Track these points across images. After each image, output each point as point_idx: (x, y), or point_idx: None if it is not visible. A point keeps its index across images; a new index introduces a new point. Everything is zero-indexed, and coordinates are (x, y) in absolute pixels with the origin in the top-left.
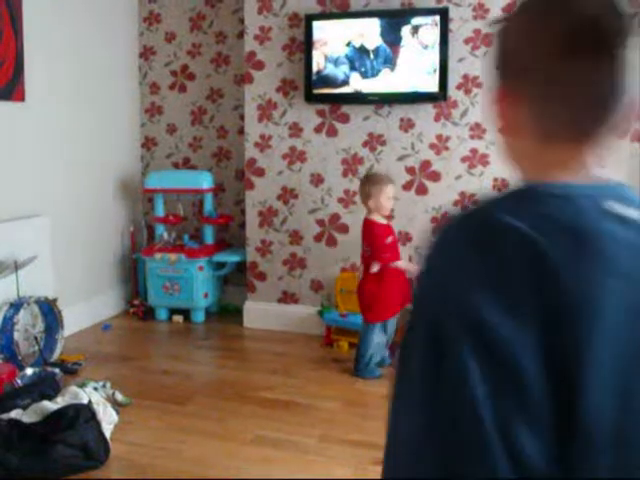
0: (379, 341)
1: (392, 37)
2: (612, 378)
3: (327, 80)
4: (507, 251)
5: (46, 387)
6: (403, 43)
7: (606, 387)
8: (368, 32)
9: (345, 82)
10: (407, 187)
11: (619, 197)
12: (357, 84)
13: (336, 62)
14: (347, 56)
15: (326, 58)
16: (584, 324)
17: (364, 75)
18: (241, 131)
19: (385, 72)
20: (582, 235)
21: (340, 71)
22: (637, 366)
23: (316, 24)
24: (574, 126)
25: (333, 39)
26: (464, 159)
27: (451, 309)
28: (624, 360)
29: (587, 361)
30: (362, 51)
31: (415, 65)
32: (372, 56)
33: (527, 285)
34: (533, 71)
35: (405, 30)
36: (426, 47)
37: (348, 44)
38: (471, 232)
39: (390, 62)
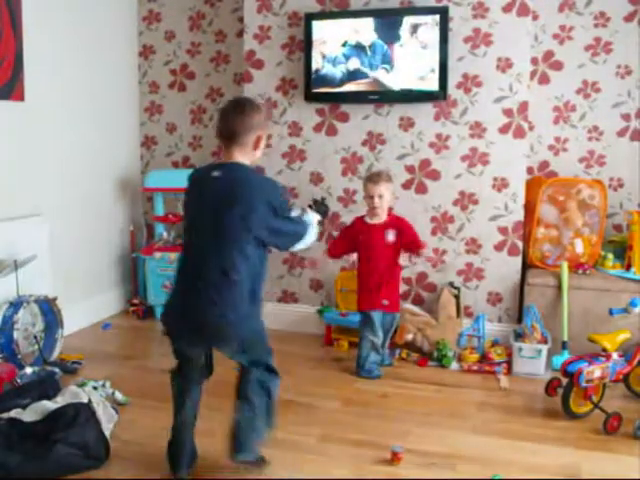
0: (371, 339)
1: (392, 36)
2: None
3: (326, 79)
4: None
5: (46, 386)
6: (403, 42)
7: (193, 215)
8: (368, 31)
9: (344, 81)
10: (407, 186)
11: (220, 168)
12: (357, 83)
13: (335, 61)
14: (346, 55)
15: (324, 57)
16: (192, 197)
17: (364, 74)
18: None
19: (385, 71)
20: (202, 173)
21: (339, 70)
22: (198, 211)
23: (316, 23)
24: (221, 141)
25: (332, 38)
26: (464, 158)
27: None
28: (194, 209)
29: (190, 205)
30: (361, 50)
31: (415, 64)
32: (371, 55)
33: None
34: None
35: (405, 29)
36: (426, 46)
37: (347, 43)
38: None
39: (389, 61)
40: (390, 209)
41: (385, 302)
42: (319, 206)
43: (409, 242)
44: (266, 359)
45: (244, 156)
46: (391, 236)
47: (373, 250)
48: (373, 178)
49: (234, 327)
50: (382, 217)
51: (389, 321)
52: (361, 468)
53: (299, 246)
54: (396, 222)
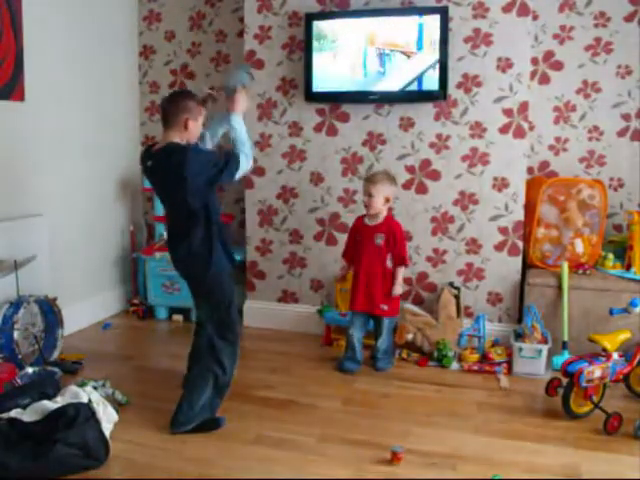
0: (355, 336)
1: (392, 36)
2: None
3: (326, 79)
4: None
5: (46, 386)
6: (403, 42)
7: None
8: (368, 31)
9: (345, 81)
10: (407, 186)
11: (160, 145)
12: (357, 83)
13: (335, 61)
14: (346, 55)
15: (325, 57)
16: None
17: (364, 74)
18: None
19: (385, 71)
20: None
21: (339, 70)
22: (161, 189)
23: (316, 23)
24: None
25: (332, 37)
26: (464, 158)
27: None
28: (158, 186)
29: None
30: (362, 50)
31: (415, 64)
32: (372, 55)
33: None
34: None
35: (405, 29)
36: (426, 46)
37: (347, 43)
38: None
39: (389, 61)
40: (390, 211)
41: (384, 307)
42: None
43: (394, 253)
44: (221, 315)
45: (177, 136)
46: (379, 239)
47: (363, 250)
48: (369, 177)
49: (185, 262)
50: (378, 218)
51: (380, 323)
52: (361, 468)
53: (240, 172)
54: (389, 227)
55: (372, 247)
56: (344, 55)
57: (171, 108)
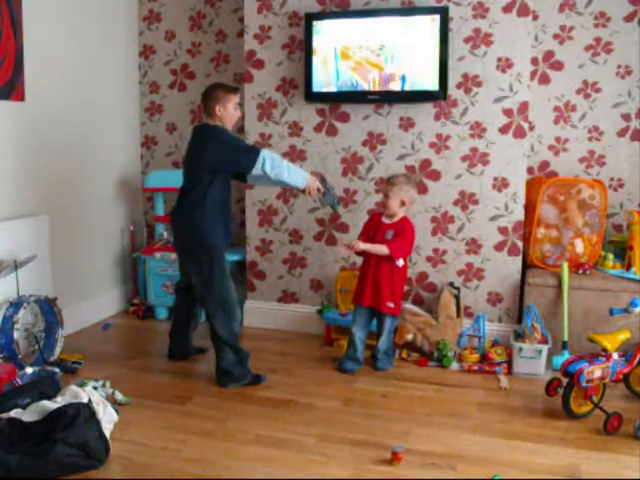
0: (358, 335)
1: (392, 35)
2: None
3: (327, 79)
4: None
5: (46, 386)
6: (403, 42)
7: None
8: (368, 30)
9: (345, 81)
10: None
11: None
12: (357, 83)
13: (335, 61)
14: (346, 55)
15: (325, 57)
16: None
17: (364, 74)
18: (241, 130)
19: (385, 71)
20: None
21: (339, 69)
22: (187, 158)
23: (316, 23)
24: None
25: (332, 37)
26: (464, 158)
27: None
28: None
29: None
30: (362, 49)
31: (415, 64)
32: (372, 54)
33: None
34: None
35: (405, 29)
36: (426, 46)
37: (347, 43)
38: None
39: (390, 61)
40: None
41: (390, 304)
42: (328, 192)
43: (392, 241)
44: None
45: (214, 120)
46: (389, 235)
47: (365, 237)
48: (389, 178)
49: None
50: (392, 218)
51: (383, 322)
52: (361, 468)
53: (257, 168)
54: (400, 225)
55: (381, 242)
56: (343, 54)
57: (204, 98)
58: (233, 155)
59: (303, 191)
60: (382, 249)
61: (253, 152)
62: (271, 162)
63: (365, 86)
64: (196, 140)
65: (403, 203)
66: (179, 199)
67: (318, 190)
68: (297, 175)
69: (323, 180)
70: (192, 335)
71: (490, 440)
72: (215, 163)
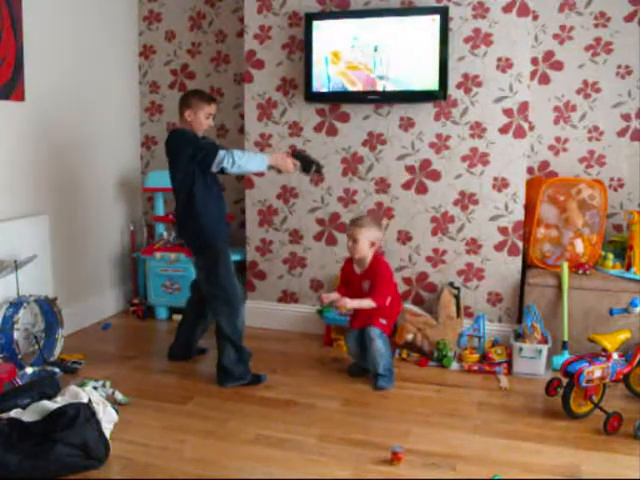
0: (352, 348)
1: (392, 35)
2: None
3: (327, 79)
4: None
5: (46, 386)
6: (403, 42)
7: None
8: (368, 30)
9: (345, 81)
10: (407, 186)
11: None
12: (357, 83)
13: (336, 61)
14: (347, 54)
15: (326, 57)
16: None
17: (364, 74)
18: (241, 130)
19: (385, 71)
20: None
21: (340, 70)
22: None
23: (316, 23)
24: None
25: (333, 38)
26: (464, 158)
27: None
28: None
29: None
30: (362, 49)
31: (415, 64)
32: (372, 54)
33: None
34: None
35: (405, 29)
36: (426, 46)
37: (348, 43)
38: None
39: (390, 61)
40: (377, 253)
41: (382, 321)
42: (303, 161)
43: (372, 292)
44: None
45: (183, 124)
46: (366, 285)
47: (354, 296)
48: (354, 220)
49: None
50: (363, 264)
51: (374, 340)
52: (361, 468)
53: (216, 165)
54: (371, 273)
55: (362, 294)
56: (344, 54)
57: (179, 101)
58: (192, 153)
59: (280, 171)
60: (369, 303)
61: (211, 151)
62: (230, 158)
63: (362, 87)
64: (166, 144)
65: (372, 244)
66: (175, 200)
67: (294, 165)
68: (256, 161)
69: (297, 153)
70: (198, 335)
71: (490, 440)
72: (180, 162)
